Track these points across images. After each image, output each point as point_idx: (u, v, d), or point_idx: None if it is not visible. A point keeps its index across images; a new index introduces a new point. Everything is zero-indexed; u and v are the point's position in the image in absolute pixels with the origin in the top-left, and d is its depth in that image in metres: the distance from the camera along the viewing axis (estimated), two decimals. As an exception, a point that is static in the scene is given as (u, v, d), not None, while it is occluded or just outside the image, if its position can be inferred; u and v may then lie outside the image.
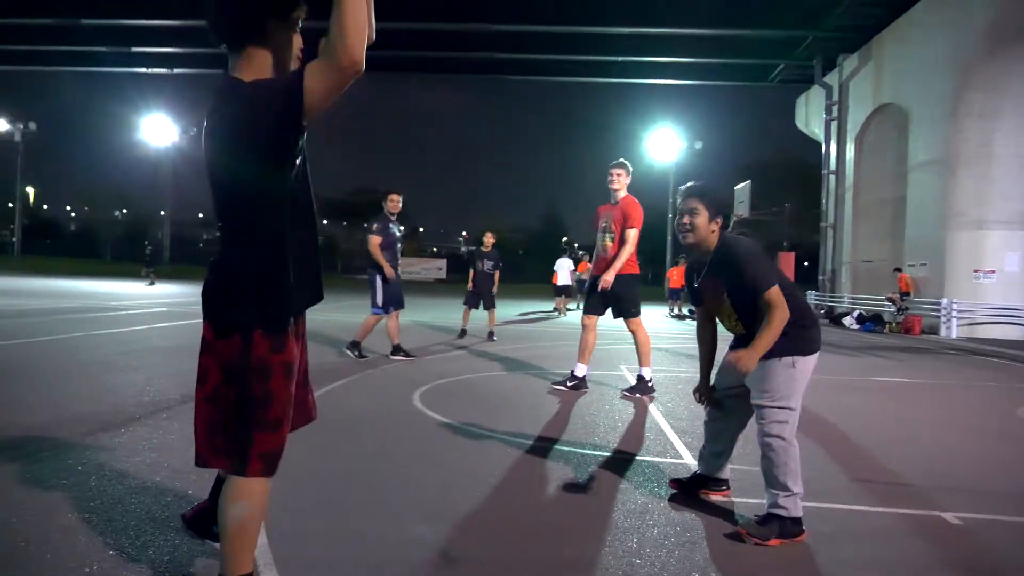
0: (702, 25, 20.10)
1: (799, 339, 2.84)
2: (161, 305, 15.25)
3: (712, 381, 3.20)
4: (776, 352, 2.79)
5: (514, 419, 4.83)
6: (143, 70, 27.41)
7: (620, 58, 23.13)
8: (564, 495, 3.29)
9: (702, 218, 2.94)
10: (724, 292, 2.92)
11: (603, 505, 3.16)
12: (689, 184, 3.09)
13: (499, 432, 4.41)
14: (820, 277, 22.29)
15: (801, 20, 19.37)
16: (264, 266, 1.90)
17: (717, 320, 3.19)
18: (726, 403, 3.12)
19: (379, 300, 7.61)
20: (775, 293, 2.75)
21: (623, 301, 6.05)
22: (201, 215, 76.71)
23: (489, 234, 11.69)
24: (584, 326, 6.18)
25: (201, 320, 2.00)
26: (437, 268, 53.65)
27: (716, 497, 3.23)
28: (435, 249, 79.71)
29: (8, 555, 2.35)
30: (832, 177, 21.73)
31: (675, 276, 20.47)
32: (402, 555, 2.49)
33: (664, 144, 33.88)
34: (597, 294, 6.09)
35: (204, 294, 1.97)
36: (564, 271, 19.40)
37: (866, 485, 3.59)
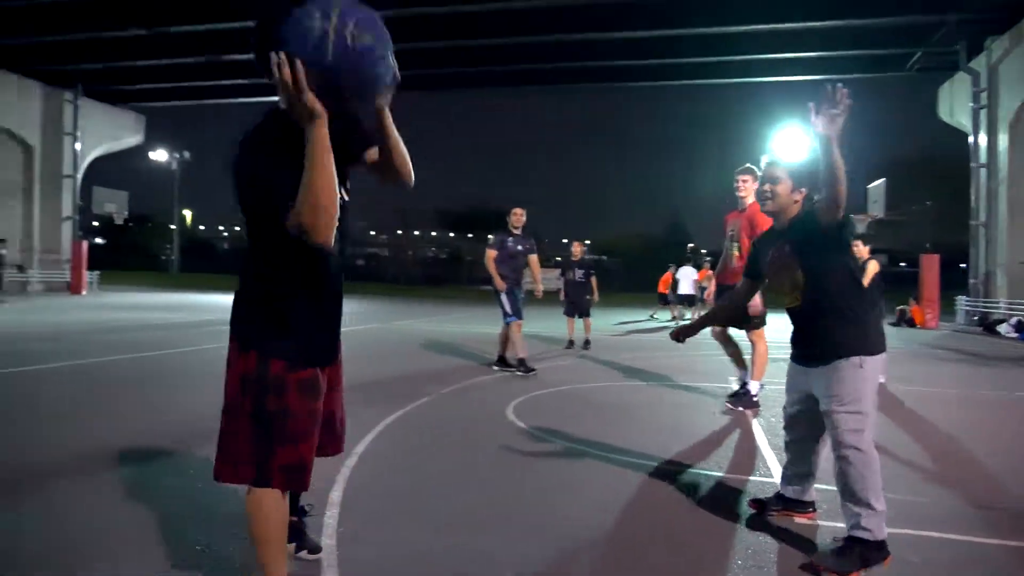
0: (830, 17, 19.01)
1: (865, 337, 2.70)
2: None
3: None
4: (842, 352, 2.66)
5: (602, 430, 4.78)
6: (277, 98, 29.53)
7: (743, 57, 22.29)
8: (632, 509, 3.22)
9: (783, 186, 2.95)
10: (796, 261, 2.83)
11: (671, 522, 3.07)
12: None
13: (582, 443, 4.38)
14: (971, 280, 20.32)
15: (938, 2, 17.88)
16: (276, 302, 1.98)
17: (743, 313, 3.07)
18: (797, 423, 2.96)
19: (508, 309, 7.72)
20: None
21: (748, 311, 5.88)
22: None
23: (577, 244, 11.98)
24: (718, 342, 6.07)
25: None
26: (556, 279, 53.46)
27: (800, 519, 3.05)
28: (558, 259, 79.68)
29: (90, 548, 2.62)
30: (983, 171, 19.83)
31: None
32: (457, 565, 2.53)
33: (793, 143, 32.25)
34: None
35: (232, 310, 2.06)
36: (687, 280, 18.79)
37: (978, 512, 3.25)
